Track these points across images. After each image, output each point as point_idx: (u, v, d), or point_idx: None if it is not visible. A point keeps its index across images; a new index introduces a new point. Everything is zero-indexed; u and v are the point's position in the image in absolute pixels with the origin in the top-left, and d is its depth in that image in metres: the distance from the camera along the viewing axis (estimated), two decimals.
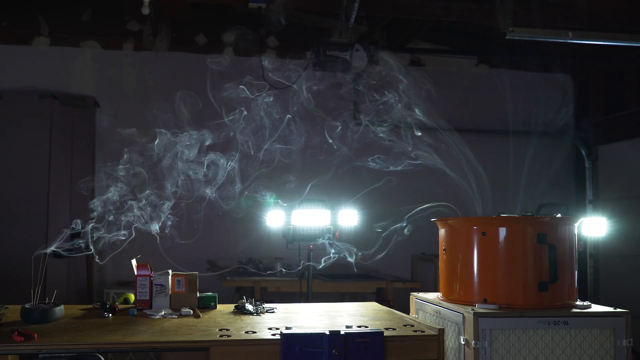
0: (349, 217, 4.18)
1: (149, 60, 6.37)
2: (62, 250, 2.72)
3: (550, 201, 5.31)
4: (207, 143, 3.12)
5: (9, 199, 5.71)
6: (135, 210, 2.91)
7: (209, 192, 3.12)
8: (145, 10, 4.84)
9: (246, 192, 3.48)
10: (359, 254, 3.35)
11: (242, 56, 6.46)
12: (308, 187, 3.77)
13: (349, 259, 3.34)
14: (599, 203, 6.37)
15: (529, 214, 2.91)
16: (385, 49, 6.53)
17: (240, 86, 3.25)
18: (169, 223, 3.03)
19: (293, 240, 4.13)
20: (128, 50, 6.40)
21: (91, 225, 2.84)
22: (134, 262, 2.82)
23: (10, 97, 5.86)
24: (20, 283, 2.67)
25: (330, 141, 3.48)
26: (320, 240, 3.67)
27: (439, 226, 2.73)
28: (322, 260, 3.39)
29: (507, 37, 4.36)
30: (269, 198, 4.00)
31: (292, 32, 6.23)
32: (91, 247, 2.83)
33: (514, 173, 5.83)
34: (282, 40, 6.43)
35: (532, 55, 6.47)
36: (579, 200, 6.73)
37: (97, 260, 2.90)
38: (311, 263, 4.02)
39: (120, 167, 3.03)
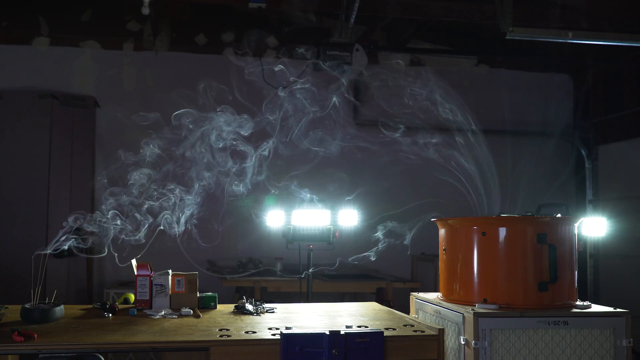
0: (349, 217, 4.17)
1: (149, 60, 6.37)
2: (75, 249, 2.70)
3: (550, 201, 5.30)
4: (244, 133, 3.06)
5: (9, 199, 5.71)
6: (155, 208, 2.88)
7: (239, 189, 3.08)
8: (145, 10, 4.84)
9: (274, 191, 3.44)
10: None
11: (242, 56, 6.48)
12: (355, 194, 3.73)
13: (406, 242, 3.29)
14: (599, 203, 6.37)
15: (529, 214, 2.90)
16: (385, 49, 6.55)
17: (279, 66, 3.21)
18: (194, 221, 2.98)
19: (293, 240, 4.13)
20: (128, 50, 6.40)
21: (109, 224, 2.80)
22: (134, 262, 2.82)
23: (10, 97, 5.86)
24: (20, 283, 2.67)
25: (397, 134, 3.39)
26: (376, 235, 3.57)
27: (439, 226, 2.73)
28: (373, 252, 3.34)
29: (507, 37, 4.36)
30: (270, 198, 3.99)
31: (292, 32, 6.23)
32: (107, 247, 2.80)
33: (513, 173, 5.83)
34: (282, 40, 6.44)
35: (532, 55, 6.47)
36: (579, 200, 6.73)
37: (117, 262, 2.86)
38: (341, 261, 3.93)
39: (142, 156, 2.97)
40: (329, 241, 4.11)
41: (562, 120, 7.01)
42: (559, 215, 2.72)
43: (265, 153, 3.15)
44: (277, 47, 6.51)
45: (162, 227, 2.89)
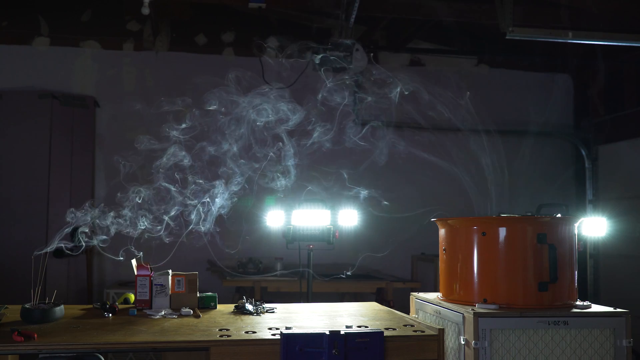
0: (349, 217, 4.18)
1: (149, 60, 6.37)
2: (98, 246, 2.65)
3: (550, 201, 5.31)
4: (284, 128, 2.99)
5: (9, 199, 5.71)
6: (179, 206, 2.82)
7: (280, 183, 3.01)
8: (145, 10, 4.84)
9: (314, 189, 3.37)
10: None
11: (242, 56, 6.48)
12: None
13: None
14: (599, 203, 6.37)
15: (529, 214, 2.91)
16: (385, 49, 6.54)
17: (322, 54, 3.15)
18: (225, 217, 2.90)
19: (293, 240, 4.14)
20: (128, 50, 6.40)
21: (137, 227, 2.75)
22: (134, 262, 2.82)
23: (10, 97, 5.86)
24: (20, 283, 2.67)
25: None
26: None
27: (439, 226, 2.73)
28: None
29: (507, 37, 4.36)
30: (270, 198, 3.98)
31: (292, 32, 6.23)
32: (134, 251, 2.76)
33: (514, 173, 5.83)
34: (282, 40, 6.44)
35: (532, 55, 6.47)
36: (579, 200, 6.72)
37: (142, 261, 2.79)
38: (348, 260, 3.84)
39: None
40: (329, 241, 4.11)
41: (562, 120, 7.01)
42: (559, 215, 2.72)
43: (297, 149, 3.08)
44: (277, 46, 6.50)
45: (191, 224, 2.83)
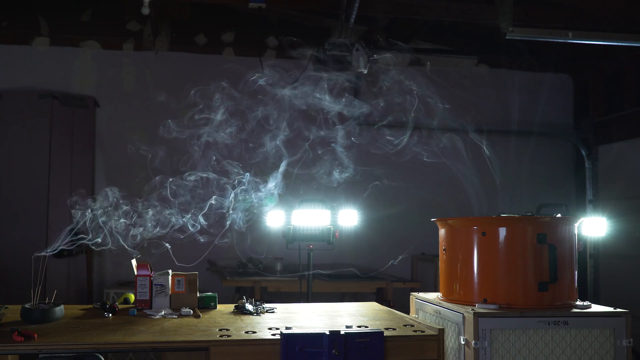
0: (349, 217, 4.18)
1: (149, 60, 6.37)
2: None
3: (550, 201, 5.31)
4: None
5: (9, 199, 5.71)
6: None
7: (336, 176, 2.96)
8: (145, 10, 4.84)
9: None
10: None
11: (242, 56, 6.48)
12: None
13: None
14: (599, 203, 6.37)
15: (529, 214, 2.90)
16: (385, 49, 6.53)
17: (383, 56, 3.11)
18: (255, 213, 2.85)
19: (293, 240, 4.13)
20: (128, 50, 6.40)
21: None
22: (134, 262, 2.82)
23: (10, 97, 5.86)
24: (20, 283, 2.67)
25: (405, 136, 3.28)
26: None
27: (439, 226, 2.73)
28: None
29: (507, 37, 4.36)
30: (269, 198, 3.96)
31: (292, 32, 6.22)
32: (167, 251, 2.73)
33: (514, 173, 5.83)
34: (282, 40, 6.44)
35: (532, 55, 6.47)
36: (579, 200, 6.73)
37: (175, 262, 2.74)
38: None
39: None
40: (329, 241, 4.11)
41: (562, 120, 7.01)
42: (559, 215, 2.72)
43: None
44: (277, 47, 6.50)
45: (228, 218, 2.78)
